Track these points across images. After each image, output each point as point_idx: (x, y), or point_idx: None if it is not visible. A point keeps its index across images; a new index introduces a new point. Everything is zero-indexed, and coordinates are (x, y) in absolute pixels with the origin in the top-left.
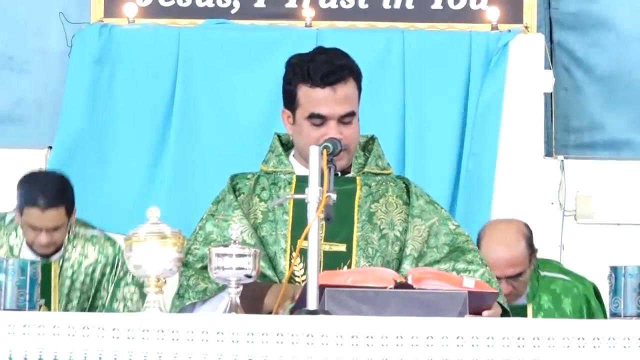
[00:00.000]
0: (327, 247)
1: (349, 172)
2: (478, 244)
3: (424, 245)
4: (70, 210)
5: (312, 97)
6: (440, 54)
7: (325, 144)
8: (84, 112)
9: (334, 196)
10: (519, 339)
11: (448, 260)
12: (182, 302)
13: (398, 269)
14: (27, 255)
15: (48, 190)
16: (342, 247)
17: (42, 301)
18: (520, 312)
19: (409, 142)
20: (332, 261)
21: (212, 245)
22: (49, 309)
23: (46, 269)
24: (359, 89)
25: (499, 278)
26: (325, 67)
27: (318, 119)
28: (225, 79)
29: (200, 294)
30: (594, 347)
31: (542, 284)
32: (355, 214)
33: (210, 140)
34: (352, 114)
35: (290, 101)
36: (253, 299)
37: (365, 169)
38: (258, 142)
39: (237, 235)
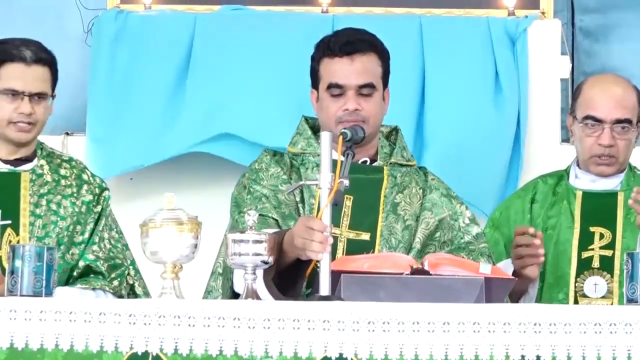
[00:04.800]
0: (351, 235)
1: (376, 161)
2: (577, 94)
3: (428, 238)
4: (54, 82)
5: (330, 67)
6: (458, 40)
7: (344, 130)
8: (104, 98)
9: (346, 182)
10: (535, 324)
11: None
12: None
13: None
14: None
15: (32, 43)
16: (366, 236)
17: (9, 222)
18: (610, 199)
19: (428, 128)
20: (355, 249)
21: (260, 204)
22: (17, 231)
23: (13, 180)
24: (384, 68)
25: (603, 122)
26: (344, 38)
27: (336, 89)
28: (240, 65)
29: None
30: (611, 332)
31: (637, 178)
32: (381, 204)
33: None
34: (370, 85)
35: (314, 79)
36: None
37: (392, 160)
38: (273, 127)
39: (253, 222)
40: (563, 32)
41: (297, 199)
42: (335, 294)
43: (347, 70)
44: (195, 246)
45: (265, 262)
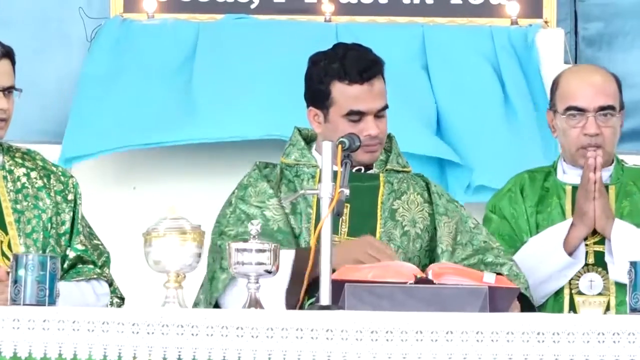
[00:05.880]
0: None
1: (372, 168)
2: (555, 87)
3: (454, 242)
4: (14, 72)
5: (350, 94)
6: (461, 49)
7: (342, 139)
8: (99, 104)
9: (346, 191)
10: (538, 334)
11: (475, 255)
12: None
13: (419, 265)
14: None
15: None
16: None
17: None
18: None
19: (448, 138)
20: None
21: (242, 227)
22: (5, 230)
23: None
24: (385, 82)
25: (586, 112)
26: (360, 63)
27: (357, 116)
28: (244, 74)
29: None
30: (614, 342)
31: (626, 171)
32: (379, 210)
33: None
34: (386, 107)
35: (320, 100)
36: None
37: (388, 166)
38: (277, 138)
39: (257, 231)
40: (566, 41)
41: (287, 210)
42: (339, 304)
43: (368, 96)
44: (199, 255)
45: (269, 272)
